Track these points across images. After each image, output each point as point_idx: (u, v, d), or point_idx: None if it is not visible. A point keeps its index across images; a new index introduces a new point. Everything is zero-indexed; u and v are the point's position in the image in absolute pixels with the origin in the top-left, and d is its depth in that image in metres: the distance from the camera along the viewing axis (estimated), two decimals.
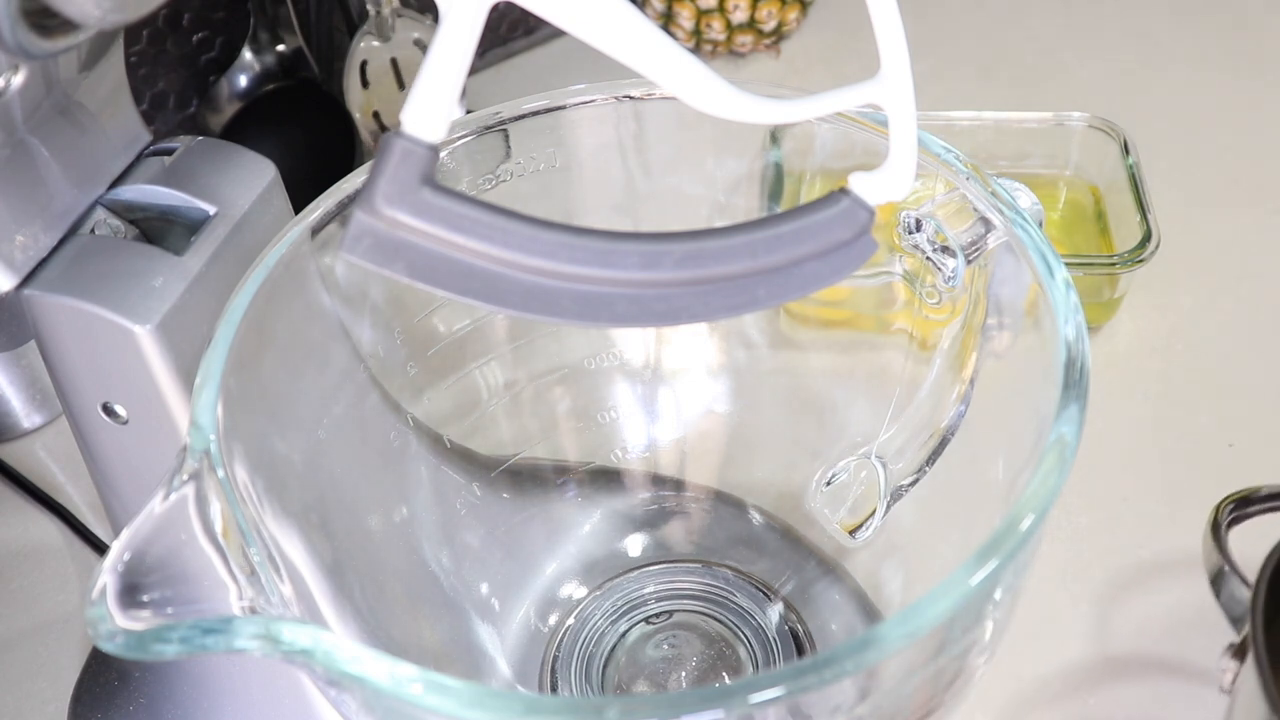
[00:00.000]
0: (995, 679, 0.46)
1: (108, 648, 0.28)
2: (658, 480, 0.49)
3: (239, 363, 0.34)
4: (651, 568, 0.48)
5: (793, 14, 0.74)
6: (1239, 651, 0.37)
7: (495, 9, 0.26)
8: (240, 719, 0.44)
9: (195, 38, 0.65)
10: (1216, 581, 0.39)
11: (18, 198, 0.35)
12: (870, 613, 0.45)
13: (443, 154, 0.39)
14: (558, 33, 0.30)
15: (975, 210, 0.37)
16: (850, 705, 0.31)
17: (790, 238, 0.28)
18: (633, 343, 0.48)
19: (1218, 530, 0.39)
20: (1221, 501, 0.40)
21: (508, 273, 0.27)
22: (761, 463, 0.49)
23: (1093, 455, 0.51)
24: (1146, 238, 0.56)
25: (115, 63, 0.38)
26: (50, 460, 0.57)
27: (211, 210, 0.38)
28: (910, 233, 0.38)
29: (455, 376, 0.45)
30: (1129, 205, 0.58)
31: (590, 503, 0.49)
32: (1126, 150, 0.60)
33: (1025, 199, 0.37)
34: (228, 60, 0.65)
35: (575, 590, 0.47)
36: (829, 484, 0.45)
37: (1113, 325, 0.59)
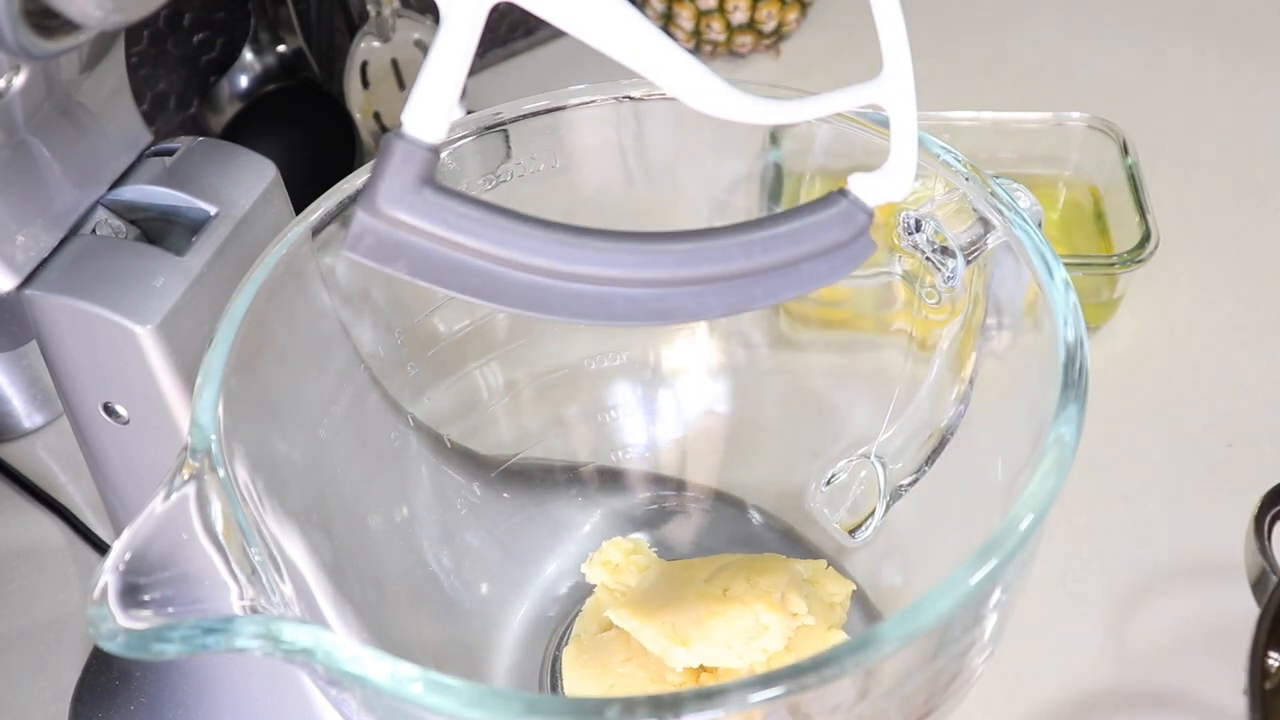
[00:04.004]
0: (995, 679, 0.46)
1: (109, 647, 0.28)
2: (658, 480, 0.49)
3: (240, 363, 0.34)
4: None
5: (792, 15, 0.74)
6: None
7: (495, 9, 0.26)
8: (240, 719, 0.44)
9: (196, 38, 0.65)
10: (1259, 586, 0.34)
11: (19, 198, 0.35)
12: (870, 613, 0.45)
13: (443, 154, 0.39)
14: (558, 33, 0.31)
15: (975, 210, 0.37)
16: (850, 705, 0.31)
17: (788, 238, 0.28)
18: (632, 343, 0.48)
19: (1261, 528, 0.35)
20: (1265, 496, 0.36)
21: (508, 272, 0.27)
22: (761, 463, 0.49)
23: (1093, 455, 0.51)
24: (1146, 238, 0.56)
25: (116, 63, 0.38)
26: (51, 460, 0.57)
27: (212, 210, 0.38)
28: (910, 233, 0.38)
29: (455, 376, 0.45)
30: (1128, 205, 0.58)
31: (590, 503, 0.49)
32: (1126, 150, 0.60)
33: (1025, 199, 0.37)
34: (228, 61, 0.65)
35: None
36: (829, 484, 0.45)
37: (1113, 325, 0.59)
